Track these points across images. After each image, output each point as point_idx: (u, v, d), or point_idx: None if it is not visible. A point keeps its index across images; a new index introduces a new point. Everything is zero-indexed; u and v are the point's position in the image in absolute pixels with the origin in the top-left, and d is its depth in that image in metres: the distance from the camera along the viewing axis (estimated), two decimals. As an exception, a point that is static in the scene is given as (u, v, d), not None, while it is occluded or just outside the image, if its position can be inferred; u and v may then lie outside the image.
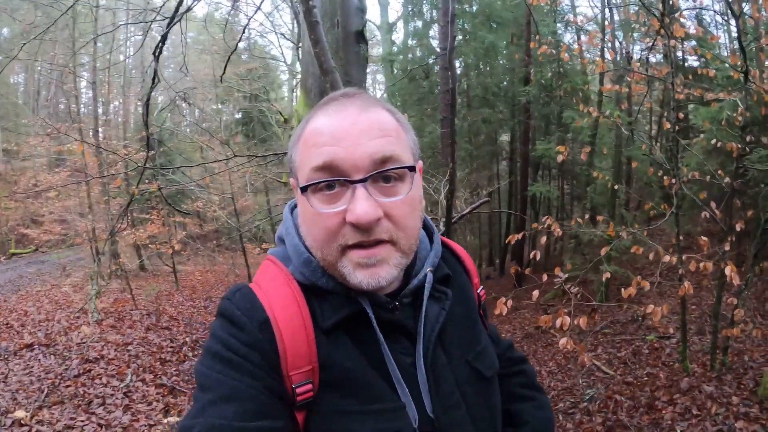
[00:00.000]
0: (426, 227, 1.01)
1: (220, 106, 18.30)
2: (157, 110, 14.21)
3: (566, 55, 8.39)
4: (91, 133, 12.18)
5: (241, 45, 15.65)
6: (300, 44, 5.87)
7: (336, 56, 3.96)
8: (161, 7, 6.19)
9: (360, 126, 0.81)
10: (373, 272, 0.82)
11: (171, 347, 8.08)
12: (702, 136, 6.73)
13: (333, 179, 0.81)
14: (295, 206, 1.00)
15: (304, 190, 0.83)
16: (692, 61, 11.11)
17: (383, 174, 0.81)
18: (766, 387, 4.14)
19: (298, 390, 0.81)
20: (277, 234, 1.01)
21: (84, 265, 13.73)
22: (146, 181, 8.47)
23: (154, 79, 5.44)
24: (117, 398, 5.99)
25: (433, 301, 0.94)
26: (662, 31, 5.65)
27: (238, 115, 20.02)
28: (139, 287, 12.57)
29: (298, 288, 0.87)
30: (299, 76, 20.61)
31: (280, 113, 17.78)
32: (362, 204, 0.78)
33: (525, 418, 1.09)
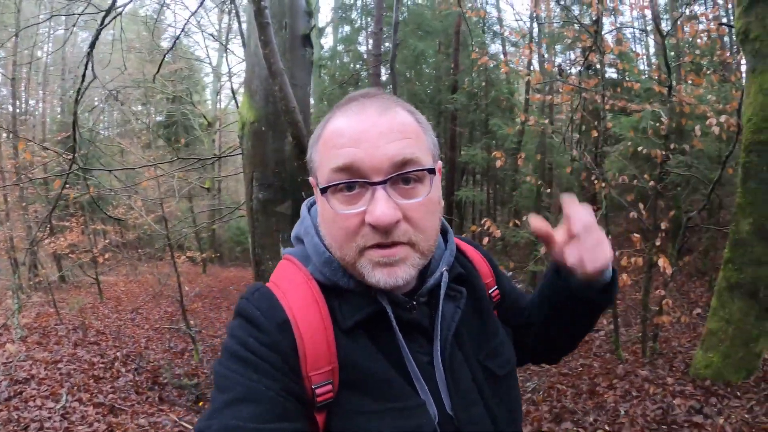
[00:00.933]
0: (440, 227, 0.98)
1: (141, 108, 17.50)
2: (79, 110, 13.43)
3: (504, 65, 8.79)
4: (5, 135, 11.36)
5: (165, 45, 15.08)
6: (244, 46, 5.81)
7: (283, 59, 3.99)
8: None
9: (380, 128, 0.82)
10: (391, 271, 0.82)
11: (102, 363, 7.70)
12: (629, 143, 7.31)
13: (353, 180, 0.81)
14: (312, 204, 1.03)
15: (324, 191, 0.83)
16: (611, 74, 12.01)
17: (403, 176, 0.81)
18: (697, 367, 4.59)
19: (318, 391, 0.81)
20: (294, 233, 1.00)
21: (1, 278, 12.76)
22: (67, 185, 8.07)
23: (84, 74, 5.25)
24: (55, 421, 5.61)
25: (449, 300, 0.94)
26: (594, 46, 6.14)
27: (161, 118, 19.23)
28: (62, 300, 11.81)
29: (318, 288, 0.88)
30: (225, 78, 20.21)
31: (204, 117, 17.36)
32: (381, 206, 0.79)
33: None
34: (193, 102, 16.39)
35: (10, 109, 13.06)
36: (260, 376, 0.78)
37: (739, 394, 4.11)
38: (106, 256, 12.88)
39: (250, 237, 4.69)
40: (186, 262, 15.80)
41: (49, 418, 5.65)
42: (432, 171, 0.84)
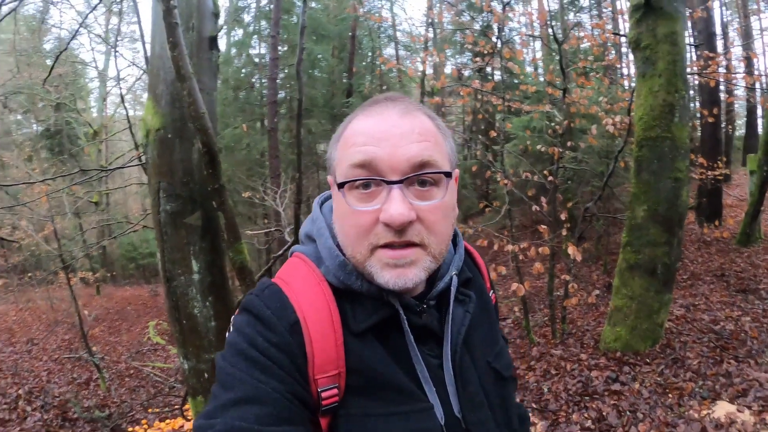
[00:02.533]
0: None
1: (20, 117, 15.93)
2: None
3: (409, 69, 9.10)
4: None
5: (48, 47, 13.91)
6: (147, 47, 5.59)
7: (189, 62, 3.93)
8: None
9: (401, 129, 0.82)
10: (401, 273, 0.82)
11: (5, 404, 7.09)
12: (521, 142, 7.86)
13: (370, 178, 0.82)
14: (324, 202, 1.02)
15: (341, 186, 0.84)
16: (497, 76, 12.77)
17: (420, 177, 0.82)
18: (607, 342, 5.07)
19: (323, 394, 0.81)
20: (305, 231, 0.99)
21: None
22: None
23: None
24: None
25: (458, 304, 0.94)
26: (494, 52, 6.57)
27: (41, 128, 17.57)
28: (-55, 338, 10.67)
29: (329, 290, 0.87)
30: (111, 83, 18.94)
31: (90, 125, 16.17)
32: (397, 204, 0.79)
33: None
34: (78, 109, 15.25)
35: None
36: (267, 377, 0.77)
37: (648, 360, 4.61)
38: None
39: (159, 252, 4.48)
40: (78, 284, 14.63)
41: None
42: (449, 175, 0.85)
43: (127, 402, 7.98)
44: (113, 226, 15.12)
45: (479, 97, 8.00)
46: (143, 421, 6.31)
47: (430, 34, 13.31)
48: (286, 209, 8.97)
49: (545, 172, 6.79)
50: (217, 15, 5.43)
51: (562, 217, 6.29)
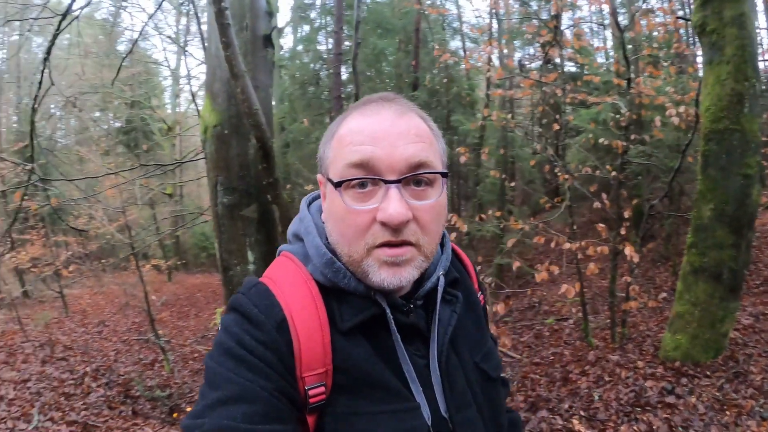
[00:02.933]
0: None
1: (98, 114, 16.96)
2: (36, 118, 12.95)
3: (468, 62, 8.89)
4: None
5: (122, 48, 14.71)
6: (204, 48, 5.72)
7: (244, 60, 3.95)
8: (46, 2, 5.79)
9: (398, 129, 0.83)
10: (397, 272, 0.83)
11: (72, 380, 7.48)
12: (589, 135, 7.49)
13: (368, 177, 0.82)
14: (311, 202, 1.02)
15: (338, 185, 0.83)
16: (569, 68, 12.25)
17: (416, 177, 0.83)
18: (666, 350, 4.74)
19: (310, 392, 0.81)
20: (292, 231, 1.00)
21: (-38, 296, 12.24)
22: (26, 197, 7.83)
23: (41, 81, 5.10)
24: (28, 442, 5.52)
25: (445, 304, 0.94)
26: (554, 41, 6.27)
27: (119, 124, 18.66)
28: (27, 316, 11.41)
29: (317, 288, 0.87)
30: (183, 81, 19.87)
31: (164, 121, 16.95)
32: (395, 204, 0.79)
33: None
34: (152, 106, 16.03)
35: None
36: (255, 375, 0.77)
37: (708, 373, 4.26)
38: (70, 268, 12.45)
39: (216, 243, 4.61)
40: (151, 271, 15.42)
41: (23, 439, 5.51)
42: (445, 175, 0.86)
43: (188, 383, 8.26)
44: (186, 216, 15.76)
45: (543, 88, 7.66)
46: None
47: (495, 26, 12.94)
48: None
49: (608, 167, 6.41)
50: (271, 14, 5.49)
51: (626, 214, 5.95)
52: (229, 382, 0.77)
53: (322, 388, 0.82)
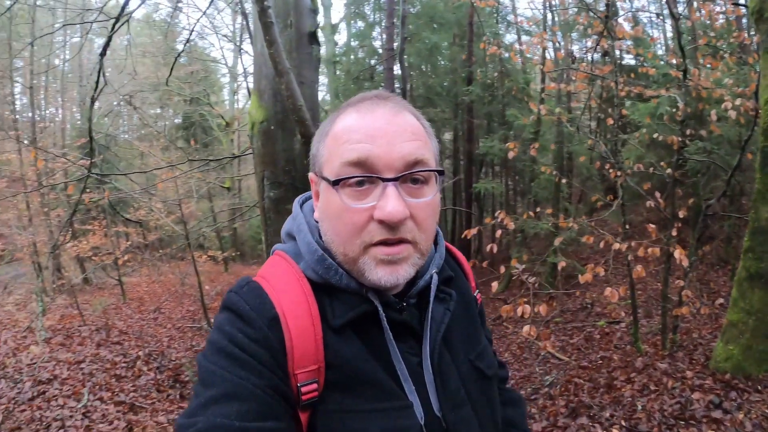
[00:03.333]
0: None
1: (159, 111, 17.65)
2: (97, 115, 13.69)
3: (516, 55, 8.65)
4: (26, 141, 11.59)
5: (180, 47, 15.22)
6: (242, 46, 5.80)
7: (289, 57, 3.94)
8: (103, 6, 6.02)
9: (394, 127, 0.83)
10: (394, 269, 0.83)
11: (125, 363, 7.81)
12: (644, 130, 7.13)
13: (365, 175, 0.81)
14: (304, 201, 1.02)
15: (336, 183, 0.83)
16: (628, 60, 11.73)
17: (413, 176, 0.83)
18: (717, 360, 4.44)
19: (303, 389, 0.81)
20: (285, 229, 1.00)
21: (26, 282, 12.99)
22: (88, 190, 8.17)
23: (98, 81, 5.29)
24: (76, 420, 5.73)
25: (438, 302, 0.95)
26: (605, 32, 5.98)
27: (179, 120, 19.35)
28: (86, 302, 12.02)
29: (309, 286, 0.87)
30: (240, 78, 20.34)
31: (222, 117, 17.48)
32: (393, 202, 0.80)
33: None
34: (211, 103, 16.51)
35: (30, 116, 13.29)
36: (247, 372, 0.77)
37: (759, 388, 3.96)
38: (128, 257, 13.07)
39: (263, 235, 4.70)
40: (208, 261, 15.99)
41: (71, 416, 5.77)
42: (441, 172, 0.87)
43: (237, 372, 8.54)
44: (243, 209, 16.21)
45: (598, 81, 7.36)
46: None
47: (549, 18, 12.55)
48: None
49: (662, 164, 6.08)
50: (315, 11, 5.51)
51: (681, 214, 5.63)
52: (223, 380, 0.77)
53: (315, 385, 0.82)
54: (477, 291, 1.13)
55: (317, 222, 0.93)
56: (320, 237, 0.92)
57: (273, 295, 0.85)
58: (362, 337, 0.86)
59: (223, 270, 19.37)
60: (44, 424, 5.54)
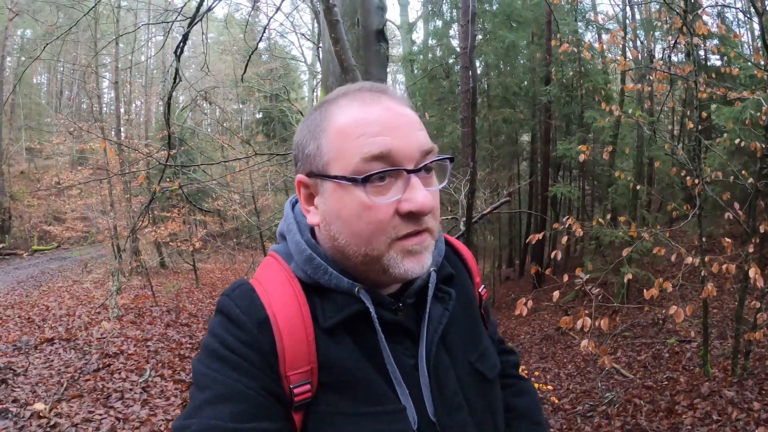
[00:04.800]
0: None
1: (240, 106, 18.34)
2: (178, 109, 14.38)
3: (588, 53, 8.25)
4: (113, 132, 12.37)
5: (261, 45, 15.74)
6: (320, 44, 5.86)
7: (356, 55, 3.91)
8: (182, 7, 6.27)
9: (407, 117, 0.82)
10: (419, 259, 0.82)
11: (190, 344, 8.14)
12: (725, 136, 6.58)
13: (388, 169, 0.79)
14: (296, 203, 0.97)
15: (365, 181, 0.79)
16: (714, 60, 10.95)
17: (427, 165, 0.82)
18: (790, 392, 4.05)
19: (296, 390, 0.80)
20: (278, 230, 0.99)
21: (105, 262, 13.85)
22: (168, 179, 8.56)
23: (175, 78, 5.50)
24: (135, 393, 6.04)
25: (437, 302, 0.92)
26: (684, 29, 5.57)
27: (259, 115, 20.03)
28: (160, 284, 12.68)
29: (299, 286, 0.86)
30: (320, 75, 20.73)
31: (301, 113, 17.89)
32: (423, 193, 0.79)
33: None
34: (290, 99, 16.93)
35: (114, 109, 14.17)
36: (239, 374, 0.77)
37: (830, 428, 3.56)
38: (201, 244, 13.64)
39: None
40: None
41: (131, 389, 6.11)
42: (452, 160, 0.88)
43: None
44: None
45: (679, 83, 6.89)
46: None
47: (629, 14, 11.91)
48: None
49: (744, 173, 5.61)
50: (383, 9, 5.48)
51: (762, 229, 5.15)
52: (215, 383, 0.77)
53: (308, 386, 0.80)
54: (483, 286, 1.10)
55: (319, 226, 0.89)
56: (312, 236, 0.90)
57: (264, 296, 0.83)
58: (355, 338, 0.84)
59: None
60: (104, 394, 5.89)
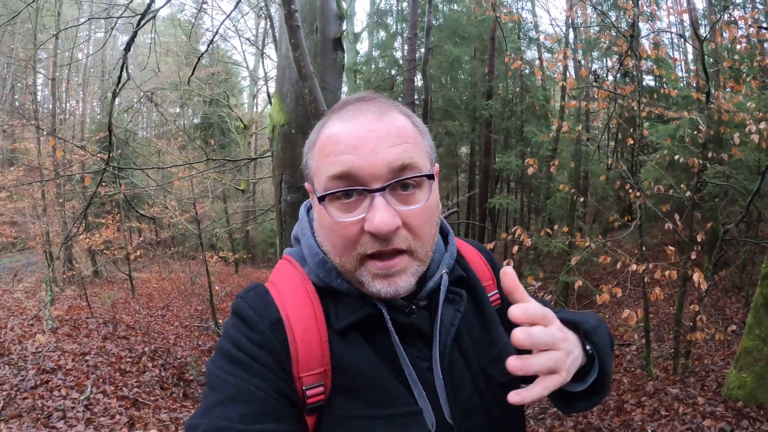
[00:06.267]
0: (441, 228, 0.98)
1: (179, 110, 17.86)
2: (117, 111, 13.87)
3: (539, 71, 8.65)
4: (45, 133, 11.77)
5: (203, 48, 15.41)
6: (275, 49, 5.85)
7: (314, 62, 3.97)
8: (129, 2, 6.10)
9: (377, 133, 0.80)
10: (392, 281, 0.81)
11: (130, 357, 7.83)
12: (665, 152, 7.08)
13: (351, 188, 0.79)
14: (311, 207, 0.99)
15: (321, 199, 0.81)
16: (648, 81, 11.70)
17: (401, 182, 0.80)
18: (729, 387, 4.37)
19: (308, 392, 0.80)
20: (293, 233, 1.00)
21: (37, 270, 13.14)
22: (104, 184, 8.23)
23: (120, 75, 5.34)
24: (78, 411, 5.72)
25: (448, 304, 0.91)
26: (630, 51, 5.97)
27: (198, 120, 19.54)
28: (94, 294, 12.12)
29: (313, 289, 0.87)
30: (261, 82, 20.52)
31: (240, 120, 17.63)
32: (381, 213, 0.77)
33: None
34: (230, 105, 16.65)
35: (50, 108, 13.50)
36: (251, 376, 0.78)
37: (772, 417, 3.91)
38: (139, 253, 13.18)
39: (278, 239, 4.71)
40: (219, 262, 16.07)
41: (73, 408, 5.76)
42: (431, 177, 0.83)
43: (241, 374, 8.56)
44: (257, 212, 16.31)
45: (618, 101, 7.32)
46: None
47: (571, 35, 12.57)
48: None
49: (682, 186, 6.04)
50: (342, 17, 5.53)
51: (699, 238, 5.57)
52: (227, 384, 0.77)
53: (321, 389, 0.81)
54: (497, 290, 1.07)
55: (315, 232, 0.92)
56: None
57: (278, 298, 0.85)
58: (369, 341, 0.85)
59: (233, 271, 19.50)
60: (45, 413, 5.53)
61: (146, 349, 8.34)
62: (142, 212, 9.19)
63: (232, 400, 0.76)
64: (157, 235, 15.49)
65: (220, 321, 9.95)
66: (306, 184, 0.91)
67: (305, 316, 0.83)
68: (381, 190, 0.78)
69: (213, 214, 16.68)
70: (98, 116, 17.20)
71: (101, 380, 6.67)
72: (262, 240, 24.06)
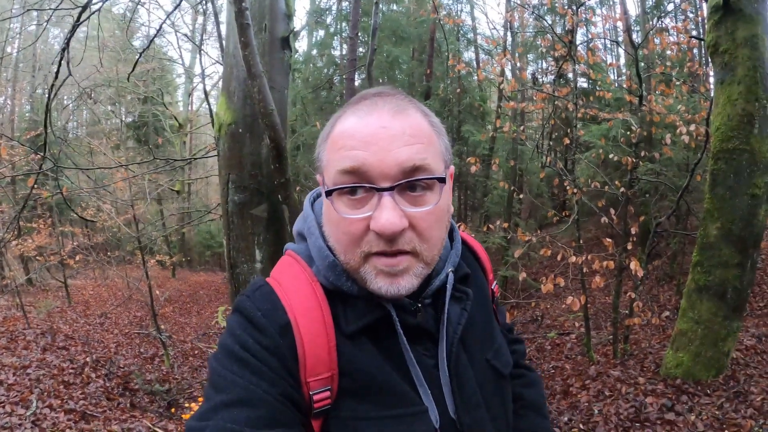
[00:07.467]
0: None
1: (111, 108, 17.13)
2: (52, 108, 13.14)
3: (482, 73, 8.95)
4: (-28, 130, 11.03)
5: (137, 44, 14.84)
6: (222, 46, 5.79)
7: (261, 61, 3.99)
8: (65, -5, 5.85)
9: (391, 131, 0.78)
10: (394, 281, 0.79)
11: (72, 369, 7.51)
12: (600, 151, 7.53)
13: (359, 185, 0.78)
14: (315, 198, 0.99)
15: (329, 193, 0.81)
16: (581, 83, 12.30)
17: (411, 183, 0.78)
18: (668, 367, 4.72)
19: (315, 397, 0.79)
20: (297, 229, 0.97)
21: (-34, 280, 12.33)
22: (36, 186, 7.87)
23: (58, 71, 5.15)
24: (26, 428, 5.45)
25: (455, 302, 0.91)
26: (569, 56, 6.30)
27: (131, 119, 18.81)
28: (29, 304, 11.48)
29: (321, 291, 0.85)
30: (197, 79, 19.96)
31: (175, 118, 17.10)
32: (387, 213, 0.76)
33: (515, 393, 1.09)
34: (165, 103, 16.15)
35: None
36: (258, 379, 0.77)
37: (709, 392, 4.24)
38: (75, 258, 12.58)
39: (225, 240, 4.66)
40: (155, 266, 15.53)
41: (20, 424, 5.48)
42: (443, 180, 0.80)
43: (187, 380, 8.36)
44: (193, 214, 15.89)
45: (555, 102, 7.70)
46: (200, 399, 6.54)
47: (509, 38, 13.06)
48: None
49: (616, 183, 6.44)
50: (289, 16, 5.51)
51: (633, 231, 5.96)
52: (234, 385, 0.76)
53: (328, 393, 0.80)
54: (495, 283, 1.11)
55: (322, 225, 0.91)
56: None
57: (285, 300, 0.83)
58: (376, 343, 0.85)
59: (170, 275, 18.91)
60: (-9, 432, 5.29)
61: (88, 359, 8.01)
62: (80, 215, 8.80)
63: (239, 404, 0.75)
64: (90, 239, 14.80)
65: (162, 327, 9.69)
66: (317, 175, 0.89)
67: (313, 319, 0.81)
68: (389, 189, 0.77)
69: (148, 217, 16.13)
70: (28, 114, 16.23)
71: (46, 394, 6.37)
72: (198, 243, 23.35)
